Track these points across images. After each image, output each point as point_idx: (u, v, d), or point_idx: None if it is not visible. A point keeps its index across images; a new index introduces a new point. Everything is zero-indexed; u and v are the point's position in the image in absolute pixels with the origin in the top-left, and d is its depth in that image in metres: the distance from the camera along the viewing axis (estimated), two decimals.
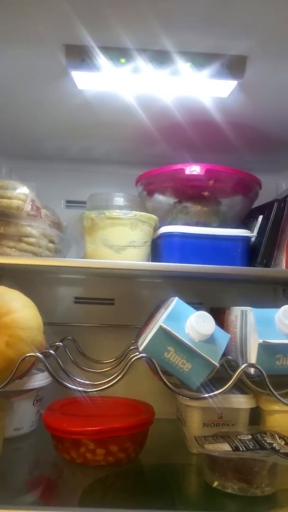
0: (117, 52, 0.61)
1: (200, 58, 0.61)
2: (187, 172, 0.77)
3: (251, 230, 0.81)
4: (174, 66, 0.61)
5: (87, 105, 0.75)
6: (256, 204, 0.86)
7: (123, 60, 0.61)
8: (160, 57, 0.61)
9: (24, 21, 0.56)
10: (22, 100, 0.77)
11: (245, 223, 0.85)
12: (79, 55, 0.61)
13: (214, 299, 0.97)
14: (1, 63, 0.65)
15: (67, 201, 1.05)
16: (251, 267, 0.74)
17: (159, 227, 0.79)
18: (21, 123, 0.86)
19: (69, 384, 0.65)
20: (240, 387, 0.80)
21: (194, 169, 0.77)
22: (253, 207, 0.86)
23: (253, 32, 0.57)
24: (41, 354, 0.63)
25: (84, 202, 0.96)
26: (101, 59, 0.61)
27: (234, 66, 0.62)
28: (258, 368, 0.63)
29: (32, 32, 0.58)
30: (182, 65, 0.61)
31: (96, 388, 0.65)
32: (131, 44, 0.59)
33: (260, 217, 0.81)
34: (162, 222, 0.80)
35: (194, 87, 0.67)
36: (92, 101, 0.74)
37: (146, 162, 0.94)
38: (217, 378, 0.66)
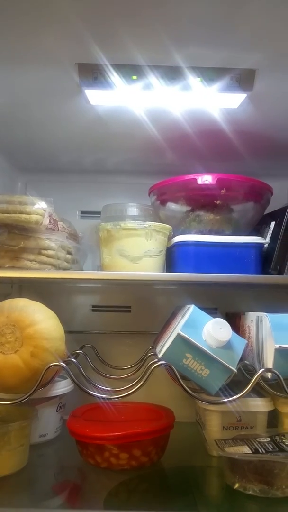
0: (129, 70, 0.63)
1: (210, 73, 0.63)
2: (200, 181, 0.79)
3: (264, 236, 0.82)
4: (185, 81, 0.63)
5: (99, 120, 0.78)
6: (268, 210, 0.87)
7: (135, 77, 0.63)
8: (171, 73, 0.63)
9: (38, 40, 0.58)
10: (37, 116, 0.79)
11: (258, 229, 0.87)
12: (91, 73, 0.63)
13: (229, 303, 0.98)
14: (16, 81, 0.67)
15: (82, 212, 1.07)
16: (264, 275, 0.75)
17: (173, 236, 0.81)
18: (35, 138, 0.89)
19: (91, 390, 0.67)
20: (258, 391, 0.81)
21: (206, 179, 0.78)
22: (265, 213, 0.87)
23: (261, 45, 0.59)
24: (63, 362, 0.65)
25: (98, 213, 0.99)
26: (114, 77, 0.63)
27: (243, 80, 0.63)
28: (275, 373, 0.65)
29: (46, 52, 0.60)
30: (193, 80, 0.63)
31: (117, 394, 0.67)
32: (143, 61, 0.61)
33: (273, 223, 0.82)
34: (175, 231, 0.82)
35: (204, 100, 0.69)
36: (104, 115, 0.76)
37: (156, 172, 0.96)
38: (235, 382, 0.68)
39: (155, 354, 0.75)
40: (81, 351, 0.84)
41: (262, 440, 0.70)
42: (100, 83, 0.63)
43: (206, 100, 0.69)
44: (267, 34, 0.56)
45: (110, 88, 0.64)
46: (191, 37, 0.57)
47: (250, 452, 0.66)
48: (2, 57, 0.61)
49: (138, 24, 0.55)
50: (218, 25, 0.55)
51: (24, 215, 0.70)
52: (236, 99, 0.68)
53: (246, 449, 0.67)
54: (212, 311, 0.80)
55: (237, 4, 0.51)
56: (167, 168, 0.95)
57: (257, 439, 0.70)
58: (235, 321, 0.84)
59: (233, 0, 0.50)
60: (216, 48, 0.59)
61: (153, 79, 0.63)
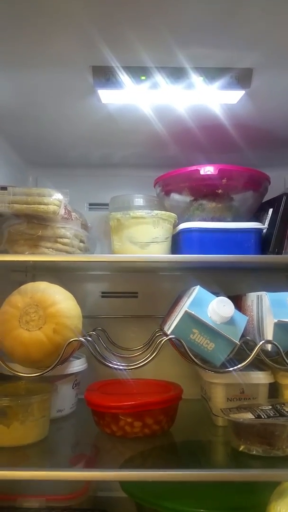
0: (138, 71, 0.69)
1: (212, 72, 0.69)
2: (202, 172, 0.85)
3: (263, 222, 0.89)
4: (188, 80, 0.69)
5: (109, 117, 0.84)
6: (266, 198, 0.93)
7: (143, 77, 0.69)
8: (176, 73, 0.69)
9: (54, 45, 0.63)
10: (50, 114, 0.85)
11: (257, 216, 0.93)
12: (104, 75, 0.69)
13: (230, 288, 1.04)
14: (31, 82, 0.73)
15: (90, 204, 1.14)
16: (262, 255, 0.82)
17: (178, 224, 0.87)
18: (48, 134, 0.95)
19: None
20: (259, 366, 0.88)
21: (208, 170, 0.85)
22: (263, 201, 0.93)
23: (257, 46, 0.64)
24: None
25: (106, 204, 1.04)
26: (124, 77, 0.69)
27: (241, 78, 0.70)
28: (274, 344, 0.71)
29: (61, 55, 0.66)
30: (196, 79, 0.69)
31: (130, 367, 0.73)
32: (150, 62, 0.67)
33: (270, 210, 0.88)
34: (180, 219, 0.88)
35: (206, 97, 0.75)
36: (114, 113, 0.82)
37: (160, 164, 1.02)
38: (238, 360, 0.74)
39: (163, 334, 0.81)
40: (93, 333, 0.91)
41: (264, 408, 0.76)
42: (112, 83, 0.69)
43: (208, 97, 0.75)
44: (263, 36, 0.62)
45: (121, 87, 0.70)
46: (193, 39, 0.63)
47: (254, 417, 0.73)
48: (17, 60, 0.67)
49: (145, 28, 0.60)
50: (217, 28, 0.60)
51: (42, 206, 0.76)
52: (235, 96, 0.74)
53: (250, 415, 0.74)
54: (215, 295, 0.86)
55: (234, 9, 0.56)
56: (170, 161, 1.01)
57: (260, 407, 0.77)
58: (237, 303, 0.90)
59: (230, 6, 0.56)
60: (216, 49, 0.65)
61: (159, 79, 0.69)
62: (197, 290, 0.76)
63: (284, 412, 0.74)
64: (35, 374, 0.69)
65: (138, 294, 1.12)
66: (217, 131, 0.89)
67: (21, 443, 0.74)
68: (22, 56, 0.66)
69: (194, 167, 0.86)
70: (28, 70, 0.70)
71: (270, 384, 0.86)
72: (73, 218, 0.85)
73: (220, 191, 0.87)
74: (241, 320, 0.75)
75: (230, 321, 0.73)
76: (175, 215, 0.86)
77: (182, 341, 0.70)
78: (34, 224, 0.78)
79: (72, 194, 0.86)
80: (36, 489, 0.89)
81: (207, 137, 0.93)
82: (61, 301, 0.71)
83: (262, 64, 0.68)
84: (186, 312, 0.72)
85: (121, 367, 0.69)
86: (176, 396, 0.81)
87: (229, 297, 0.97)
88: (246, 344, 0.76)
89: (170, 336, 0.70)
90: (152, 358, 0.70)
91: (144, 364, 0.69)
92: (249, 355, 0.73)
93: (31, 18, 0.58)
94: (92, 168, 1.12)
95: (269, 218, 0.88)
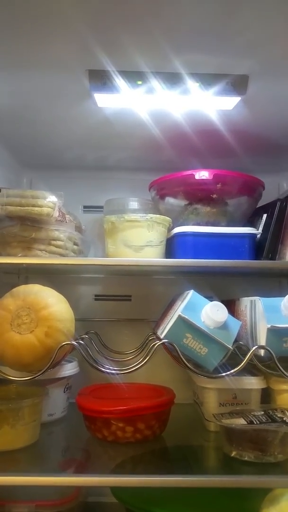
0: (135, 75, 0.68)
1: (208, 78, 0.69)
2: (197, 177, 0.85)
3: (257, 227, 0.89)
4: (184, 86, 0.69)
5: (105, 120, 0.84)
6: (260, 203, 0.93)
7: (139, 82, 0.69)
8: (172, 79, 0.69)
9: (52, 49, 0.63)
10: (45, 117, 0.85)
11: (251, 221, 0.93)
12: (101, 79, 0.69)
13: (223, 293, 1.04)
14: (31, 85, 0.73)
15: (84, 206, 1.13)
16: (256, 261, 0.82)
17: (172, 228, 0.87)
18: (43, 137, 0.94)
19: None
20: (251, 371, 0.88)
21: (203, 174, 0.85)
22: (257, 206, 0.94)
23: (253, 53, 0.64)
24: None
25: (100, 207, 1.04)
26: (120, 82, 0.69)
27: (237, 84, 0.70)
28: (267, 349, 0.71)
29: (59, 59, 0.66)
30: (192, 85, 0.69)
31: (123, 371, 0.73)
32: (146, 67, 0.67)
33: (264, 216, 0.88)
34: (174, 223, 0.88)
35: (201, 103, 0.75)
36: (110, 117, 0.82)
37: (155, 168, 1.02)
38: (231, 364, 0.74)
39: (156, 338, 0.81)
40: (86, 336, 0.90)
41: (256, 413, 0.76)
42: (108, 87, 0.69)
43: (204, 103, 0.75)
44: (259, 43, 0.62)
45: (117, 92, 0.70)
46: (189, 45, 0.63)
47: (246, 423, 0.73)
48: (14, 63, 0.67)
49: (141, 33, 0.60)
50: (213, 34, 0.60)
51: (36, 208, 0.75)
52: (231, 102, 0.75)
53: (242, 421, 0.74)
54: (208, 299, 0.86)
55: (230, 15, 0.57)
56: (166, 165, 1.01)
57: (252, 413, 0.77)
58: (230, 307, 0.90)
59: (227, 12, 0.56)
60: (212, 56, 0.65)
61: (155, 84, 0.69)
62: (190, 294, 0.76)
63: (276, 418, 0.74)
64: (26, 378, 0.68)
65: (131, 297, 1.12)
66: (212, 136, 0.90)
67: (11, 447, 0.73)
68: (19, 59, 0.66)
69: (189, 172, 0.86)
70: (25, 73, 0.69)
71: (263, 389, 0.86)
72: (67, 221, 0.84)
73: (214, 196, 0.87)
74: (235, 325, 0.75)
75: (224, 326, 0.73)
76: (170, 219, 0.86)
77: (175, 345, 0.70)
78: (27, 226, 0.78)
79: (66, 196, 0.86)
80: (26, 495, 0.88)
81: (203, 142, 0.93)
82: (53, 304, 0.71)
83: (258, 71, 0.68)
84: (179, 316, 0.71)
85: (113, 372, 0.69)
86: (168, 401, 0.80)
87: (222, 302, 0.98)
88: (239, 349, 0.76)
89: (163, 341, 0.70)
90: (145, 362, 0.70)
91: (137, 368, 0.69)
92: (242, 360, 0.73)
93: (28, 22, 0.58)
94: (87, 171, 1.12)
95: (263, 224, 0.88)
